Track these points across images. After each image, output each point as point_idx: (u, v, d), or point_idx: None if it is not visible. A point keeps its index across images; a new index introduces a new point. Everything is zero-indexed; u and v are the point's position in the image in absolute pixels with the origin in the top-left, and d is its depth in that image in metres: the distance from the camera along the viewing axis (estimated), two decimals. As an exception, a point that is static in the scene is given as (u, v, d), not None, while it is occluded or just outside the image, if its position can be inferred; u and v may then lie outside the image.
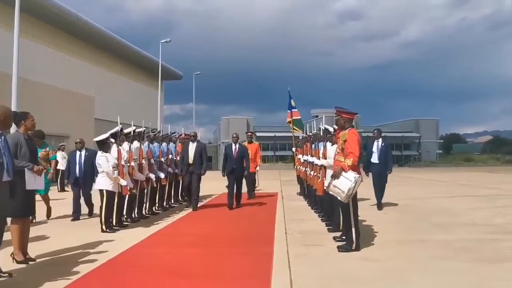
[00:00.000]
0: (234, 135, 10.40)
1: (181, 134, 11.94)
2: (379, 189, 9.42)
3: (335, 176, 5.38)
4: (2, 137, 4.33)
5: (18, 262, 4.84)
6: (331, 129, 7.04)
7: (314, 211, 8.76)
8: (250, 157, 10.72)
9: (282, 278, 4.22)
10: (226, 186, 10.28)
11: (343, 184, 5.28)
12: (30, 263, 4.92)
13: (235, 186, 9.87)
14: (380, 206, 9.35)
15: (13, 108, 12.66)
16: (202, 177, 9.88)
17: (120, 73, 41.50)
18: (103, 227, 6.90)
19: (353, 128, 5.56)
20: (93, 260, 5.05)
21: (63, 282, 4.16)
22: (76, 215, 8.44)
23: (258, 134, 72.76)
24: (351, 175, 5.27)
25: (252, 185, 11.85)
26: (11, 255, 4.87)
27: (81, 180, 8.63)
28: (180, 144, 11.10)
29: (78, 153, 8.72)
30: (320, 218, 7.82)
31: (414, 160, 67.60)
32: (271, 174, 25.46)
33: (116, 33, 38.61)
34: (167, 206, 9.99)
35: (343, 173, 5.33)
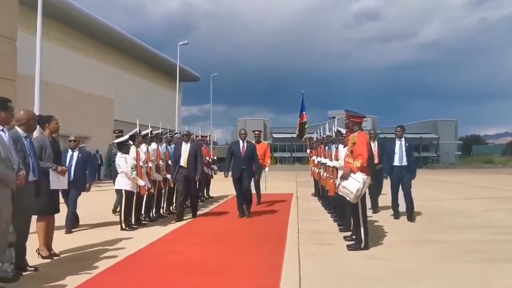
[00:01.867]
0: (242, 131, 9.18)
1: (198, 136, 12.18)
2: (398, 196, 8.21)
3: (344, 177, 5.55)
4: (28, 139, 4.62)
5: (43, 257, 5.14)
6: (343, 131, 7.17)
7: (328, 212, 8.89)
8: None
9: (292, 275, 4.40)
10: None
11: (352, 185, 5.44)
12: (55, 258, 5.22)
13: (242, 191, 8.69)
14: (397, 215, 8.17)
15: (36, 110, 13.08)
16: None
17: (139, 75, 42.15)
18: (123, 225, 7.16)
19: (362, 131, 5.71)
20: (113, 256, 5.31)
21: (85, 276, 4.42)
22: (69, 227, 7.15)
23: (275, 135, 73.32)
24: (359, 177, 5.43)
25: (258, 190, 10.75)
26: (36, 250, 5.17)
27: (71, 186, 6.73)
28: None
29: (70, 153, 7.31)
30: (333, 219, 7.95)
31: (432, 162, 66.92)
32: (287, 175, 25.59)
33: (134, 35, 39.25)
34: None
35: (352, 174, 5.49)
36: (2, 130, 4.12)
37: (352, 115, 5.75)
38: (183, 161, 8.48)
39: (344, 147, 6.82)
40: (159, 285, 4.26)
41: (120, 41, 36.75)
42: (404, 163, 8.09)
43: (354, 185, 5.41)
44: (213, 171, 12.51)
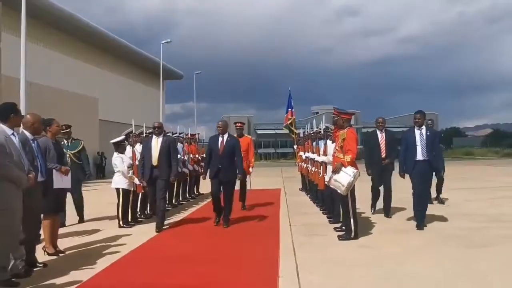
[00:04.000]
0: (220, 123, 7.49)
1: (188, 134, 12.40)
2: (422, 198, 6.91)
3: (335, 171, 5.90)
4: (35, 142, 4.84)
5: (49, 255, 5.36)
6: (332, 127, 7.47)
7: (316, 205, 9.24)
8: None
9: (289, 263, 4.76)
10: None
11: (343, 178, 5.81)
12: (60, 255, 5.44)
13: (221, 195, 7.32)
14: (420, 225, 6.70)
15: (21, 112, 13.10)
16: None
17: (123, 74, 41.88)
18: (120, 222, 7.39)
19: (351, 127, 6.08)
20: (116, 251, 5.56)
21: (94, 271, 4.67)
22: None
23: (259, 131, 73.61)
24: (350, 171, 5.81)
25: (244, 191, 9.42)
26: (42, 248, 5.39)
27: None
28: (186, 144, 11.54)
29: None
30: (322, 211, 8.31)
31: (414, 155, 67.95)
32: (273, 171, 25.94)
33: (117, 33, 38.97)
34: (176, 203, 10.45)
35: (343, 168, 5.85)
36: (13, 134, 4.34)
37: (343, 112, 6.14)
38: (153, 159, 7.05)
39: (332, 142, 7.15)
40: (166, 276, 4.52)
41: (103, 41, 36.47)
42: (426, 157, 6.68)
43: (345, 178, 5.78)
44: (202, 168, 12.72)
